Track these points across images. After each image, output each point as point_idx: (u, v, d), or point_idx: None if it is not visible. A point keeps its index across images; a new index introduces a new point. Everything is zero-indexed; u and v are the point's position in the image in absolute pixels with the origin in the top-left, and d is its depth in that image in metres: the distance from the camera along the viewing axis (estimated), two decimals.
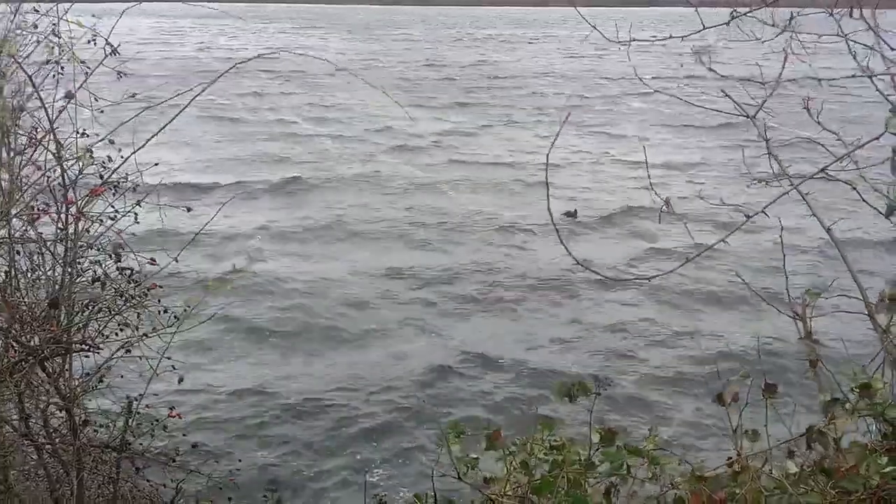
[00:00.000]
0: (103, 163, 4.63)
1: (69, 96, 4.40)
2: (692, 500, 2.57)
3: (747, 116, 3.22)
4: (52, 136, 4.38)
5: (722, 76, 3.44)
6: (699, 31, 3.53)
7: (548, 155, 3.25)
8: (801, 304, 2.80)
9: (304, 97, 35.16)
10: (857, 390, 2.65)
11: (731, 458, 2.76)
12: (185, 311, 4.40)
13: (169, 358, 4.22)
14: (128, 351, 4.33)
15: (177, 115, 4.23)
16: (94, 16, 5.69)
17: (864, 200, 3.22)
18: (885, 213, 2.74)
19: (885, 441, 2.58)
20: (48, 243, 4.46)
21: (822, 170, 3.14)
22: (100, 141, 4.46)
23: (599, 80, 40.13)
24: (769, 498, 2.53)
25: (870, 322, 2.77)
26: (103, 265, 4.41)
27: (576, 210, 17.17)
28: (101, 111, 4.78)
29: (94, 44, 4.79)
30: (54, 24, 4.82)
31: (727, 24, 3.30)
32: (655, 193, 3.24)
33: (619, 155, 22.97)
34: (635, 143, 24.43)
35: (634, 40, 3.68)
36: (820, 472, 2.59)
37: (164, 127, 4.15)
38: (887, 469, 2.51)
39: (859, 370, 2.70)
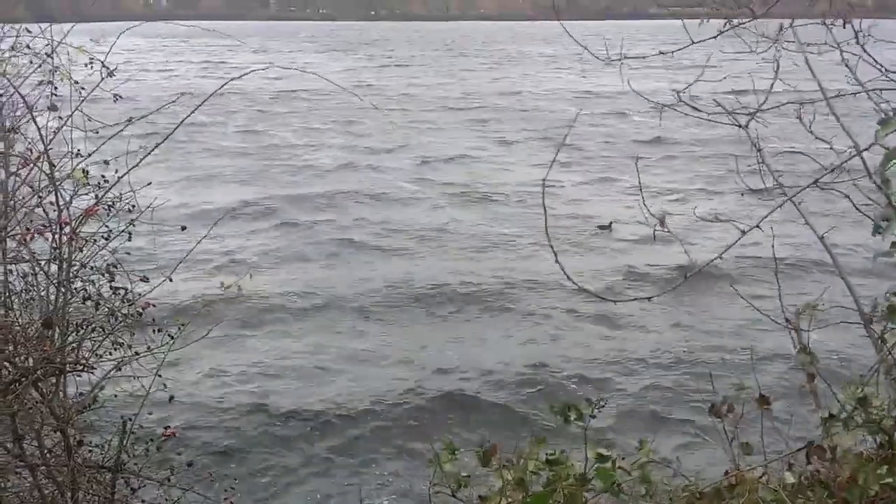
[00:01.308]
0: (98, 183, 4.64)
1: (53, 108, 4.43)
2: None
3: (739, 126, 3.23)
4: (45, 157, 4.39)
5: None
6: (688, 46, 3.54)
7: (544, 180, 3.26)
8: (795, 314, 2.79)
9: (305, 122, 34.55)
10: (855, 405, 2.63)
11: (728, 470, 2.74)
12: (179, 328, 4.39)
13: (160, 375, 4.20)
14: (119, 370, 4.31)
15: (169, 136, 4.25)
16: (91, 39, 5.72)
17: (857, 209, 3.21)
18: (872, 231, 2.73)
19: (881, 451, 2.56)
20: (42, 263, 4.46)
21: (816, 181, 3.14)
22: (88, 157, 4.47)
23: (604, 98, 39.74)
24: None
25: (864, 330, 2.76)
26: (97, 284, 4.41)
27: (611, 223, 16.79)
28: (96, 132, 4.79)
29: (92, 67, 4.81)
30: (48, 45, 4.84)
31: (715, 37, 3.31)
32: (649, 212, 3.24)
33: (629, 178, 22.11)
34: (648, 161, 24.14)
35: (627, 57, 3.70)
36: (817, 484, 2.57)
37: (154, 147, 4.16)
38: (886, 480, 2.49)
39: (857, 383, 2.68)
